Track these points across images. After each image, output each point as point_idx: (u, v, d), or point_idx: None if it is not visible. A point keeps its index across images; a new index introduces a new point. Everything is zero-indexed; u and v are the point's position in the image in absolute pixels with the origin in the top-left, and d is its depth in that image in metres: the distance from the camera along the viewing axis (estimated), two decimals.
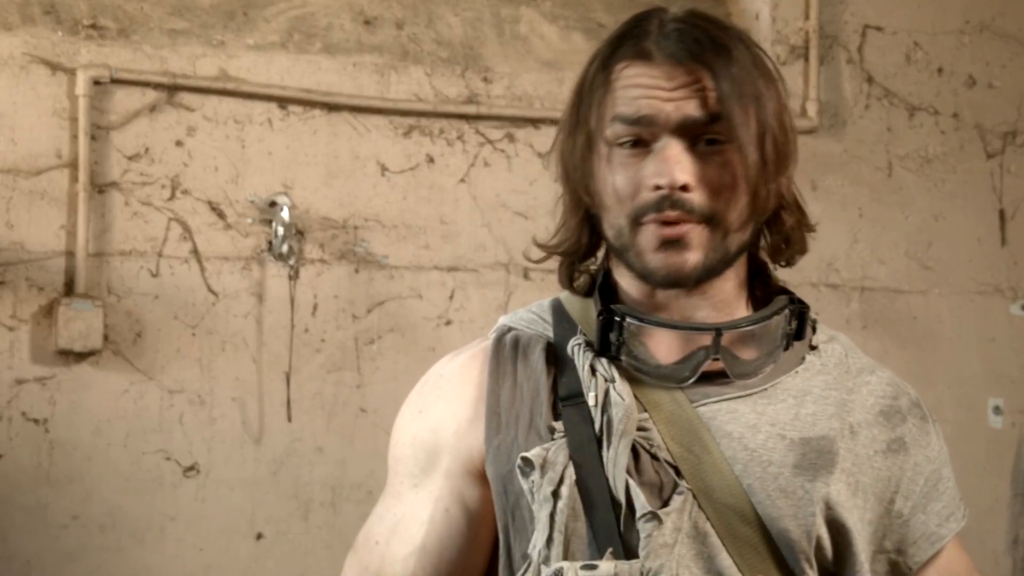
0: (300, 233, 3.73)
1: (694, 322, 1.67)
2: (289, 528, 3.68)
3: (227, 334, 3.70)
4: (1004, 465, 4.23)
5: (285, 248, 3.67)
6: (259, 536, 3.68)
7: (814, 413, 1.67)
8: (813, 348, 1.73)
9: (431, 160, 3.86)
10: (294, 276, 3.71)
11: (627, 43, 1.66)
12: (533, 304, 1.80)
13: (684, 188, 1.60)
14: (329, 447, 3.69)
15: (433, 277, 3.84)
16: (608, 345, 1.67)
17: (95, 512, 3.57)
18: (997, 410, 4.22)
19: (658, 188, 1.61)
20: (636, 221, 1.63)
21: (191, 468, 3.64)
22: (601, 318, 1.67)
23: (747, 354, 1.67)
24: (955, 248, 4.25)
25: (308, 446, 3.72)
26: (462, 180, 3.88)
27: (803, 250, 1.74)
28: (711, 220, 1.62)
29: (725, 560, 1.60)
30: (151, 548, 3.60)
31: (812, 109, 4.09)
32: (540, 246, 1.76)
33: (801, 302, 1.71)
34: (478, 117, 3.87)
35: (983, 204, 4.28)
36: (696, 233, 1.62)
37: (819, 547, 1.63)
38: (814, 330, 1.74)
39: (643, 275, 1.66)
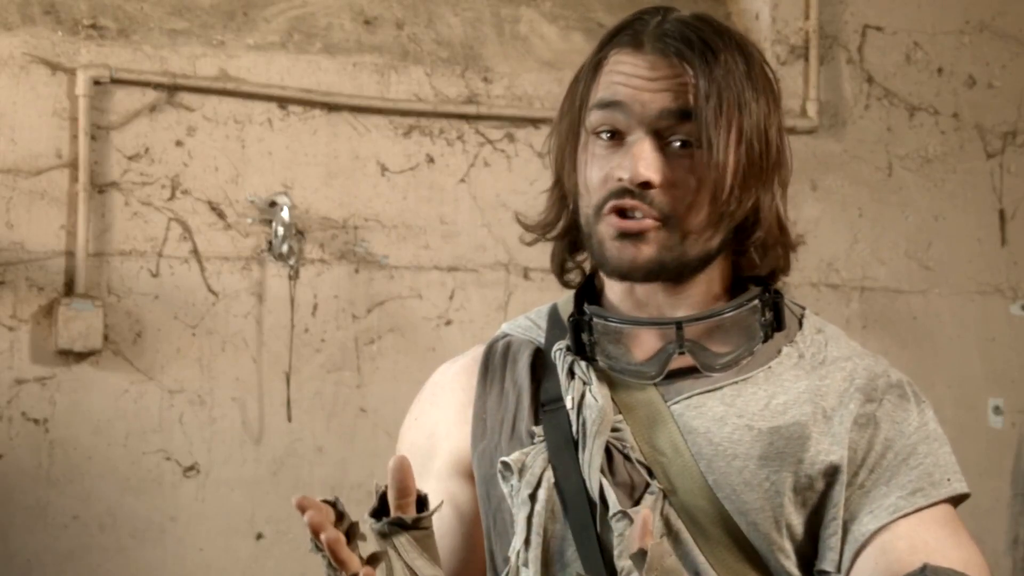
0: (300, 233, 3.73)
1: (657, 317, 1.68)
2: (289, 528, 3.67)
3: (227, 334, 3.70)
4: (1004, 465, 4.24)
5: (285, 248, 3.68)
6: (259, 536, 3.69)
7: (785, 402, 1.66)
8: (791, 342, 1.72)
9: (431, 160, 3.87)
10: (294, 276, 3.71)
11: (625, 32, 1.67)
12: (533, 311, 1.82)
13: (647, 184, 1.61)
14: (329, 447, 3.70)
15: (433, 277, 3.85)
16: (582, 346, 1.68)
17: (95, 512, 3.58)
18: (997, 410, 4.22)
19: (621, 180, 1.62)
20: (599, 210, 1.64)
21: (191, 468, 3.65)
22: (572, 320, 1.69)
23: (721, 347, 1.67)
24: (955, 248, 4.25)
25: (308, 446, 3.73)
26: (462, 180, 3.88)
27: (782, 269, 1.72)
28: (668, 220, 1.63)
29: (699, 557, 1.61)
30: (151, 548, 3.61)
31: (812, 109, 4.10)
32: (524, 225, 1.78)
33: (776, 292, 1.70)
34: (478, 117, 3.88)
35: (983, 204, 4.28)
36: (653, 230, 1.63)
37: (792, 536, 1.63)
38: (800, 322, 1.73)
39: (600, 264, 1.67)
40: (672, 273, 1.66)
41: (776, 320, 1.69)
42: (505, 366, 1.75)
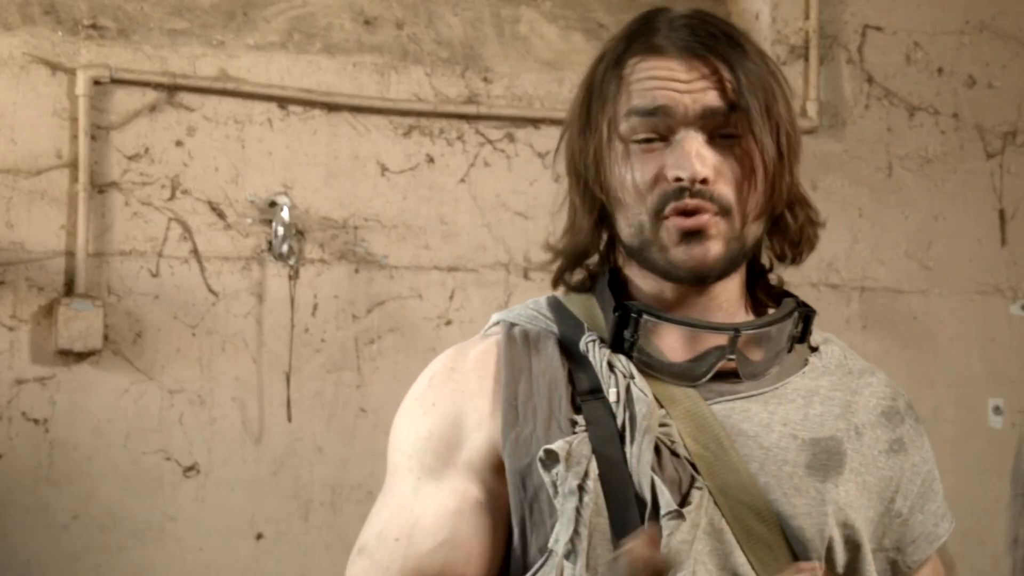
0: (300, 233, 3.74)
1: (712, 321, 1.68)
2: (289, 528, 3.70)
3: (227, 334, 3.71)
4: (1004, 465, 4.25)
5: (285, 248, 3.69)
6: (259, 536, 3.69)
7: (822, 414, 1.68)
8: (814, 350, 1.74)
9: (431, 160, 3.87)
10: (294, 276, 3.72)
11: (637, 40, 1.67)
12: (529, 301, 1.79)
13: (704, 181, 1.61)
14: (329, 447, 3.71)
15: (433, 277, 3.85)
16: (622, 341, 1.66)
17: (95, 512, 3.60)
18: (997, 410, 4.22)
19: (679, 180, 1.62)
20: (658, 214, 1.64)
21: (191, 468, 3.66)
22: (617, 314, 1.67)
23: (755, 355, 1.69)
24: (955, 248, 4.25)
25: (308, 446, 3.74)
26: (462, 180, 3.89)
27: (812, 246, 1.74)
28: (729, 212, 1.63)
29: (739, 558, 1.61)
30: (151, 548, 3.63)
31: (812, 109, 4.11)
32: (553, 249, 1.76)
33: (807, 305, 1.72)
34: (478, 117, 3.89)
35: (983, 204, 4.29)
36: (715, 224, 1.63)
37: (830, 548, 1.64)
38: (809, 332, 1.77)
39: (666, 270, 1.66)
40: (738, 265, 1.68)
41: (803, 333, 1.72)
42: (529, 353, 1.72)
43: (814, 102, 4.11)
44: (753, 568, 1.61)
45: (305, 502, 3.71)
